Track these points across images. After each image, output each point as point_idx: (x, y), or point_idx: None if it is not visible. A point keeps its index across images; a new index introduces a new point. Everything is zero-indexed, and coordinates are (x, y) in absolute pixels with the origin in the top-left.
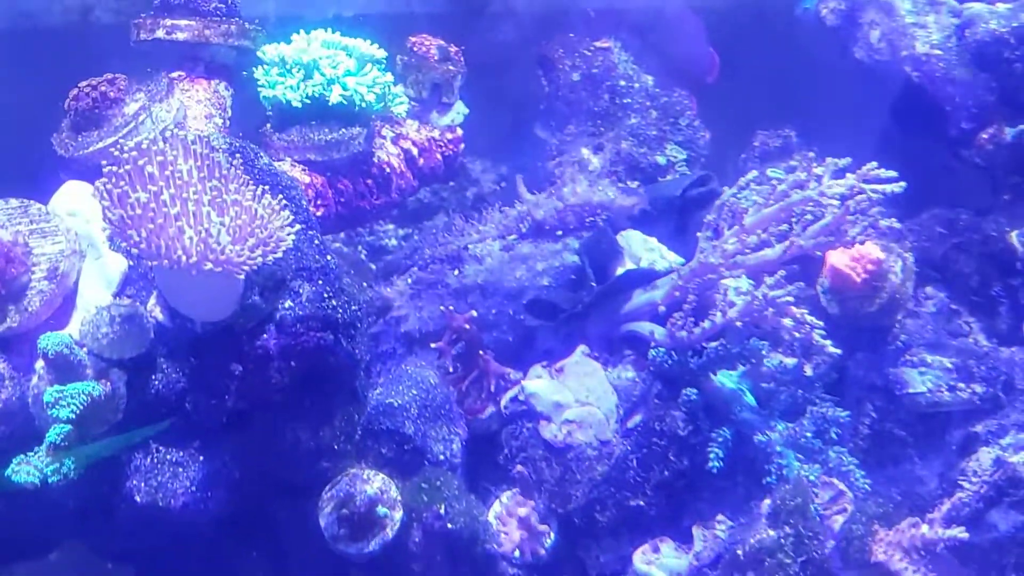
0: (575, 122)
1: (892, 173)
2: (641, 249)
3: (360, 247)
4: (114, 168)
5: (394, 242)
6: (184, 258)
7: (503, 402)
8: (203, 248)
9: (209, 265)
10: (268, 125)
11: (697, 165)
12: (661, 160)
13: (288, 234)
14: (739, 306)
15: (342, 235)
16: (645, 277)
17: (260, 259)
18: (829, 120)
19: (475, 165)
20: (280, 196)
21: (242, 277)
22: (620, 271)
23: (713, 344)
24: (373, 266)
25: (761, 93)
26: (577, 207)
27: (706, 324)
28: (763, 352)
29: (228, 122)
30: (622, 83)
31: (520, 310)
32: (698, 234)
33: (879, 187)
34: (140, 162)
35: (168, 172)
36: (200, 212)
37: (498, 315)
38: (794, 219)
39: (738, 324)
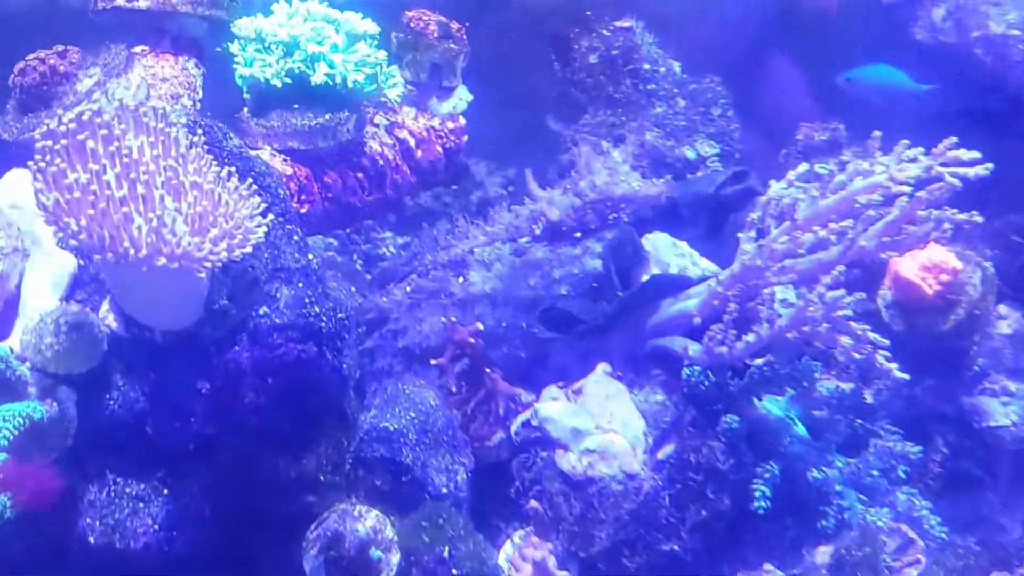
0: (592, 111)
1: (975, 154)
2: (670, 254)
3: (356, 256)
4: (48, 143)
5: (392, 250)
6: (132, 251)
7: (514, 427)
8: (155, 239)
9: (162, 260)
10: (245, 109)
11: (731, 161)
12: (690, 154)
13: (259, 224)
14: (790, 314)
15: (335, 242)
16: (676, 284)
17: (225, 254)
18: (881, 111)
19: (480, 167)
20: (250, 181)
21: (204, 276)
22: (646, 278)
23: (758, 362)
24: (369, 276)
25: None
26: (597, 203)
27: (750, 338)
28: (816, 374)
29: (198, 104)
30: (646, 67)
31: (533, 322)
32: (739, 234)
33: (960, 171)
34: (80, 136)
35: (113, 148)
36: (152, 196)
37: (508, 328)
38: (853, 221)
39: (788, 336)
